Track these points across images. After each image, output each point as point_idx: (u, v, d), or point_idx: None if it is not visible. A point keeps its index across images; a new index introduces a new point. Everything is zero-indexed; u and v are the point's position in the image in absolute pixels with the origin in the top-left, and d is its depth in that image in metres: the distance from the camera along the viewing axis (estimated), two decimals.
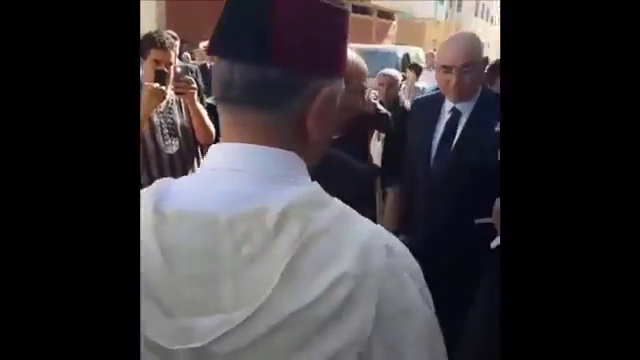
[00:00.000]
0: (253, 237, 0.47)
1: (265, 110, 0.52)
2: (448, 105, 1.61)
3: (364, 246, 0.48)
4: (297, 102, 0.52)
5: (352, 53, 1.09)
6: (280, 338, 0.46)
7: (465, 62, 1.50)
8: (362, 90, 1.12)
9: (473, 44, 1.56)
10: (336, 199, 0.53)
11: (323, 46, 0.53)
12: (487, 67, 2.08)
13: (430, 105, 1.69)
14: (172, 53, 1.93)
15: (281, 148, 0.53)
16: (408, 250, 0.54)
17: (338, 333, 0.46)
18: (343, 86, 0.57)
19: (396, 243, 0.53)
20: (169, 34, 2.08)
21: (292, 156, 0.54)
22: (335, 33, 0.54)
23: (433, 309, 0.53)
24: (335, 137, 1.03)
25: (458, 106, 1.59)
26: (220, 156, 0.53)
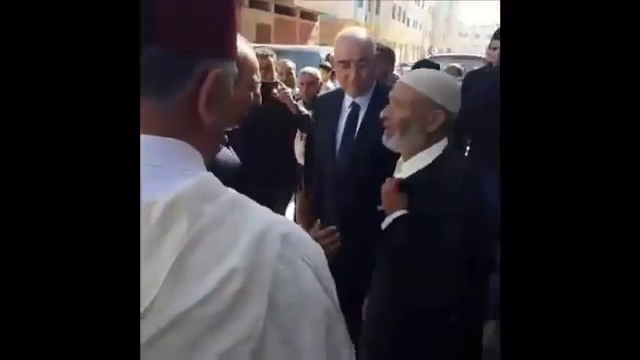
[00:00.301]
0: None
1: (153, 96, 0.49)
2: (348, 100, 1.69)
3: (257, 237, 0.47)
4: (186, 86, 0.50)
5: (243, 45, 1.07)
6: (170, 339, 0.44)
7: (361, 56, 1.59)
8: (252, 85, 1.13)
9: (366, 39, 1.65)
10: (230, 189, 0.51)
11: (210, 27, 0.51)
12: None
13: (332, 101, 1.77)
14: None
15: (174, 137, 0.50)
16: (309, 238, 0.53)
17: (231, 330, 0.44)
18: (235, 70, 0.56)
19: (295, 231, 0.51)
20: None
21: (184, 146, 0.51)
22: (222, 14, 0.53)
23: (335, 298, 0.52)
24: (231, 129, 1.01)
25: (357, 100, 1.67)
26: None
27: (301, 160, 2.99)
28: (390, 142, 1.27)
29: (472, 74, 3.16)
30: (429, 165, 1.24)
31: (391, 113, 1.26)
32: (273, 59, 2.80)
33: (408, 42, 36.29)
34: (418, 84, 1.24)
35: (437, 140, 1.24)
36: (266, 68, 2.68)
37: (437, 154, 1.24)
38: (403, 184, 1.24)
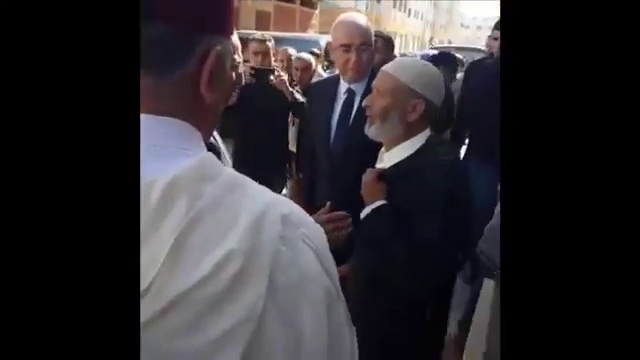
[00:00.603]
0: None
1: (155, 74, 0.48)
2: (343, 86, 1.69)
3: (258, 216, 0.46)
4: (188, 64, 0.49)
5: None
6: (170, 320, 0.43)
7: (362, 40, 1.60)
8: (234, 65, 1.15)
9: (366, 24, 1.65)
10: (230, 169, 0.50)
11: (210, 4, 0.51)
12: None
13: (327, 88, 1.76)
14: None
15: (174, 116, 0.50)
16: (310, 219, 0.52)
17: (230, 311, 0.44)
18: (232, 48, 0.55)
19: (295, 212, 0.50)
20: None
21: (184, 125, 0.51)
22: None
23: (336, 279, 0.52)
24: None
25: (353, 86, 1.66)
26: None
27: (293, 147, 2.99)
28: (371, 131, 1.27)
29: (473, 65, 3.16)
30: (411, 155, 1.23)
31: (372, 102, 1.26)
32: (271, 44, 2.77)
33: (409, 32, 36.03)
34: (399, 73, 1.23)
35: (419, 130, 1.23)
36: (264, 53, 2.67)
37: (419, 144, 1.23)
38: (383, 175, 1.23)
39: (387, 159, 1.28)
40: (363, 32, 1.62)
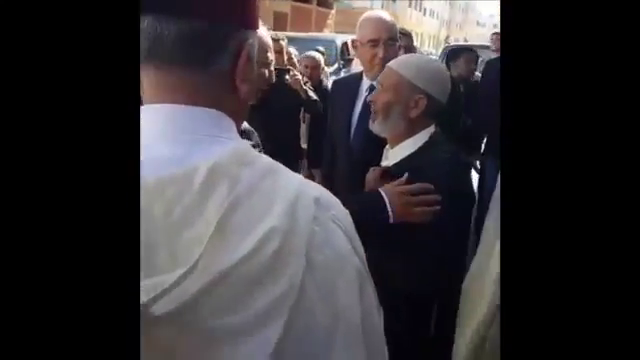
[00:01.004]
0: (184, 199, 0.46)
1: (194, 68, 0.51)
2: (366, 83, 1.71)
3: (292, 200, 0.49)
4: (224, 57, 0.52)
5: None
6: (214, 296, 0.45)
7: (390, 35, 1.64)
8: (266, 62, 1.15)
9: (392, 20, 1.69)
10: (264, 155, 0.53)
11: (245, 1, 0.53)
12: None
13: (349, 85, 1.79)
14: None
15: (210, 107, 0.52)
16: (338, 201, 0.55)
17: (271, 287, 0.46)
18: (258, 42, 0.57)
19: (325, 195, 0.53)
20: None
21: (221, 116, 0.53)
22: None
23: (364, 259, 0.54)
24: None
25: (375, 83, 1.59)
26: (148, 118, 0.50)
27: (304, 143, 3.03)
28: (374, 126, 1.27)
29: (489, 64, 3.17)
30: (413, 154, 1.22)
31: (376, 97, 1.26)
32: (284, 43, 2.80)
33: (424, 31, 35.80)
34: (402, 68, 1.22)
35: (422, 127, 1.22)
36: (278, 52, 2.64)
37: (422, 142, 1.22)
38: (387, 172, 1.21)
39: (391, 157, 1.28)
40: (390, 27, 1.66)
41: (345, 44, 7.83)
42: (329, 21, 17.84)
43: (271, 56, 1.18)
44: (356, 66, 6.36)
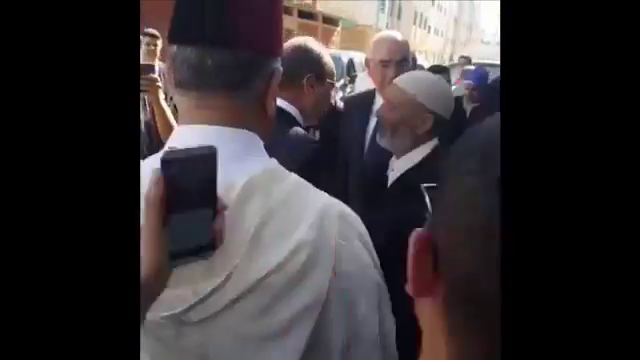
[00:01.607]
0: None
1: (234, 92, 0.55)
2: (379, 101, 1.72)
3: (320, 215, 0.52)
4: (258, 82, 0.56)
5: (325, 51, 1.23)
6: (248, 303, 0.48)
7: (402, 56, 1.70)
8: (333, 87, 1.29)
9: (405, 41, 1.76)
10: (293, 174, 0.56)
11: (272, 28, 0.57)
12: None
13: (362, 102, 1.86)
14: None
15: (245, 127, 0.56)
16: (359, 218, 0.58)
17: (300, 296, 0.48)
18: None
19: (347, 211, 0.57)
20: (151, 32, 2.15)
21: (253, 137, 0.58)
22: (278, 15, 0.58)
23: (382, 273, 0.57)
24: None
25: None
26: (189, 137, 0.52)
27: None
28: (382, 141, 1.33)
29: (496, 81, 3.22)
30: (418, 164, 1.28)
31: (385, 114, 1.31)
32: None
33: (429, 49, 36.06)
34: (410, 86, 1.27)
35: (426, 141, 1.28)
36: None
37: (425, 153, 1.28)
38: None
39: (397, 168, 1.34)
40: (402, 48, 1.71)
41: (350, 61, 7.92)
42: (334, 38, 18.08)
43: (333, 80, 1.27)
44: (361, 82, 6.44)
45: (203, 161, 0.44)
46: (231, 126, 0.56)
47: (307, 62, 1.18)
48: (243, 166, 0.53)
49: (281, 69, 0.60)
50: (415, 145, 1.29)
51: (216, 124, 0.55)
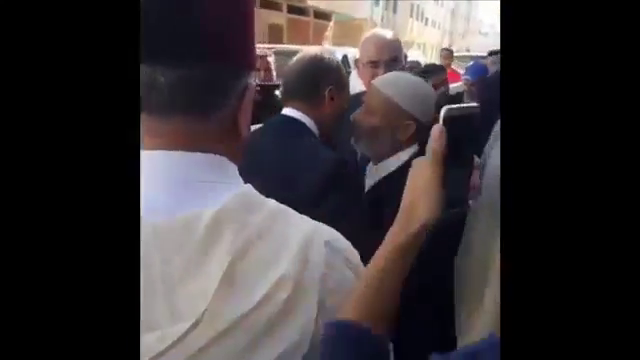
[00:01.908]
0: (185, 247, 0.46)
1: (195, 116, 0.51)
2: None
3: (303, 244, 0.49)
4: (231, 100, 0.52)
5: (340, 65, 1.20)
6: (225, 345, 0.45)
7: (391, 56, 1.58)
8: (348, 98, 1.25)
9: (395, 39, 1.65)
10: (271, 200, 0.53)
11: (246, 43, 0.53)
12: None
13: (353, 103, 1.79)
14: None
15: (211, 152, 0.52)
16: (348, 243, 0.55)
17: (284, 335, 0.46)
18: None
19: (335, 236, 0.54)
20: None
21: (223, 161, 0.53)
22: (250, 29, 0.53)
23: None
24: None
25: None
26: (149, 165, 0.50)
27: None
28: (358, 146, 1.25)
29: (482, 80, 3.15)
30: (397, 170, 1.20)
31: (362, 118, 1.22)
32: (271, 59, 2.78)
33: (426, 42, 35.85)
34: (390, 90, 1.18)
35: (405, 147, 1.21)
36: (265, 70, 2.65)
37: (405, 159, 1.20)
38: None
39: (376, 174, 1.27)
40: (391, 47, 1.60)
41: (345, 57, 7.60)
42: (327, 33, 17.61)
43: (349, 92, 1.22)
44: (354, 81, 6.21)
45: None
46: (198, 150, 0.52)
47: (327, 73, 1.17)
48: (211, 195, 0.49)
49: (254, 84, 0.56)
50: (393, 151, 1.22)
51: (179, 149, 0.51)
